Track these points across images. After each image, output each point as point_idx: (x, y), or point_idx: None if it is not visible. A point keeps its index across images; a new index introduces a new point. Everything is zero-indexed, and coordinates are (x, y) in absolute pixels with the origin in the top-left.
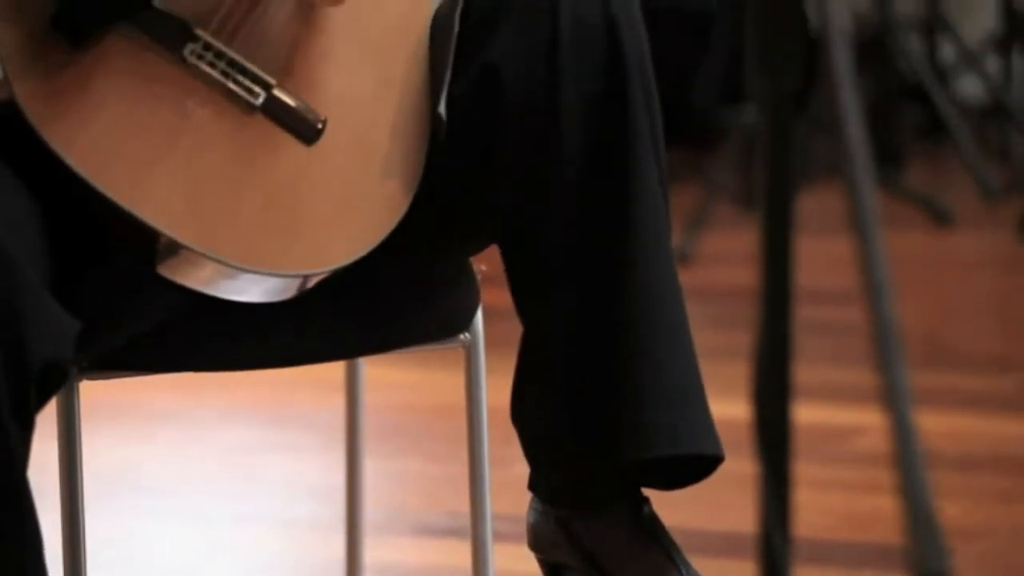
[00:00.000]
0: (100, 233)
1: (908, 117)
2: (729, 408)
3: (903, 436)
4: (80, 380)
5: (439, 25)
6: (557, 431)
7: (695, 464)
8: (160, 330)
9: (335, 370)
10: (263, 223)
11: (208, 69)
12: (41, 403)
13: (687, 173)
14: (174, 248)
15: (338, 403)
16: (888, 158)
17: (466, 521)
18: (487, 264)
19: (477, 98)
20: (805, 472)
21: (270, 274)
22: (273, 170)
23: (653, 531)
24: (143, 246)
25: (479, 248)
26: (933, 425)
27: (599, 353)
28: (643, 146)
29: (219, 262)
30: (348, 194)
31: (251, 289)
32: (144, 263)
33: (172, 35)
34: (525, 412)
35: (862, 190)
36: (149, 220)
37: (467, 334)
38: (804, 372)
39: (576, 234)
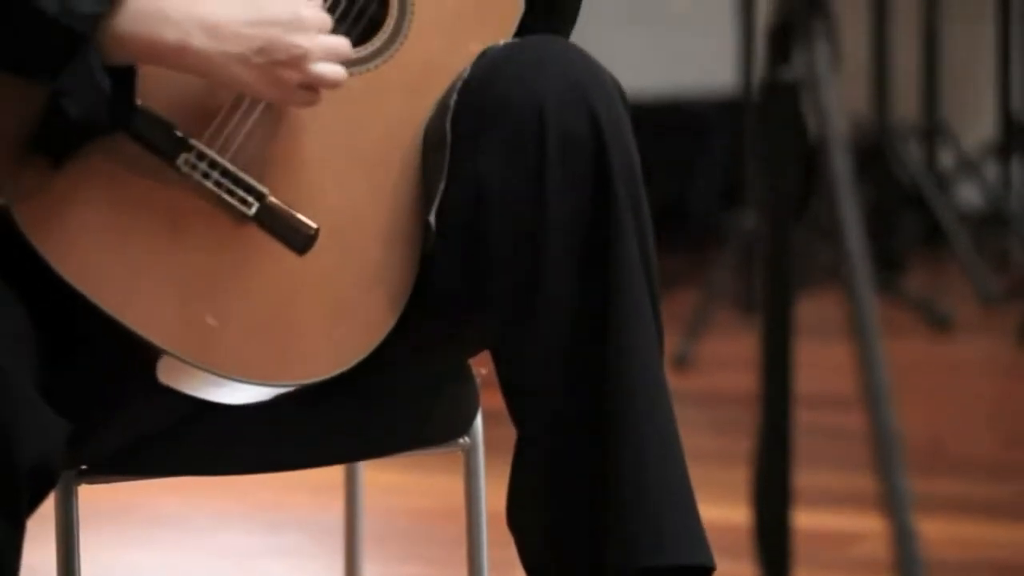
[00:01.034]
0: (92, 337)
1: (907, 223)
2: (729, 513)
3: (903, 542)
4: (78, 484)
5: (430, 135)
6: (547, 539)
7: (685, 574)
8: (158, 434)
9: (334, 474)
10: (254, 333)
11: (201, 179)
12: (33, 506)
13: (686, 277)
14: (165, 356)
15: (337, 507)
16: (888, 264)
17: None
18: (487, 367)
19: (465, 208)
20: None
21: (261, 384)
22: (265, 279)
23: None
24: (135, 352)
25: (473, 353)
26: (933, 531)
27: (585, 460)
28: (631, 258)
29: (208, 372)
30: (339, 303)
31: (243, 397)
32: (137, 363)
33: (166, 144)
34: (518, 518)
35: (862, 296)
36: (138, 329)
37: (466, 438)
38: (804, 477)
39: (563, 343)
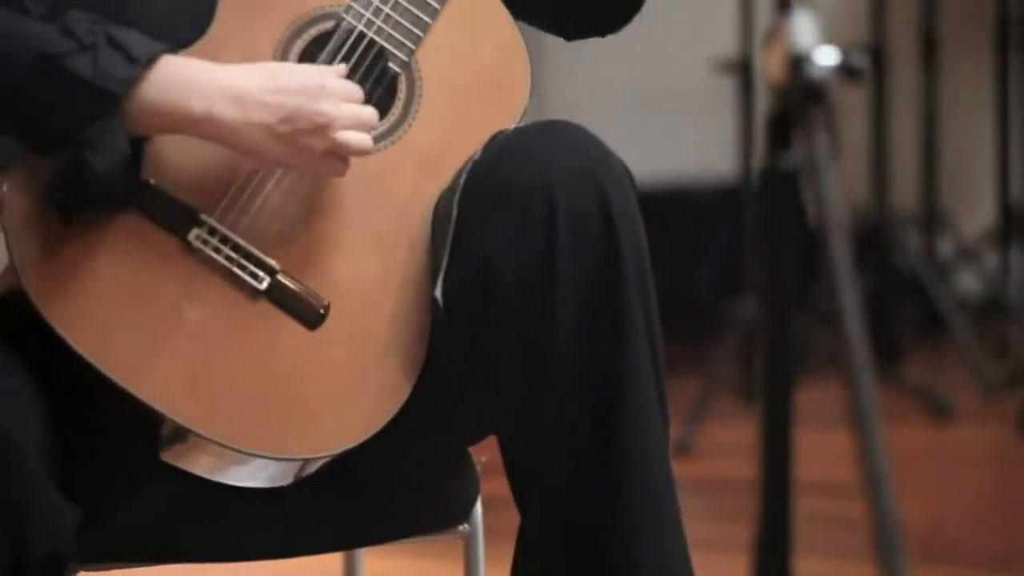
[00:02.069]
0: (102, 418)
1: (907, 311)
2: None
3: None
4: (78, 571)
5: (439, 213)
6: None
7: None
8: (158, 522)
9: (333, 561)
10: (263, 407)
11: (213, 254)
12: None
13: (687, 364)
14: (177, 431)
15: None
16: (887, 351)
17: None
18: (487, 454)
19: (473, 287)
20: None
21: (268, 457)
22: (275, 354)
23: None
24: (145, 429)
25: (478, 438)
26: None
27: (588, 547)
28: (638, 343)
29: (217, 444)
30: (349, 379)
31: (249, 474)
32: (147, 446)
33: (177, 220)
34: None
35: (862, 383)
36: (148, 400)
37: (466, 525)
38: (804, 565)
39: (569, 426)
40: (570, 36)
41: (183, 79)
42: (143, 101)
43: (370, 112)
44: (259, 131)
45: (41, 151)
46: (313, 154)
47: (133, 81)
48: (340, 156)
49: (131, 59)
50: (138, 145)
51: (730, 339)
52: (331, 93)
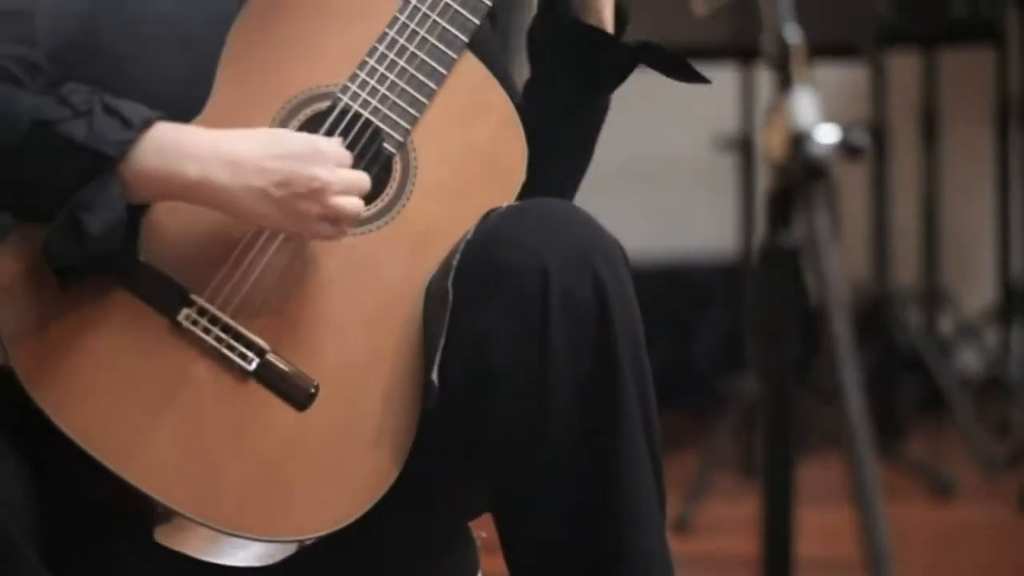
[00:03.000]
0: (93, 496)
1: (908, 388)
2: None
3: None
4: None
5: (432, 294)
6: None
7: None
8: None
9: None
10: (253, 488)
11: (202, 334)
12: None
13: (687, 439)
14: (167, 512)
15: None
16: (888, 428)
17: None
18: (487, 531)
19: (467, 368)
20: None
21: (259, 539)
22: (264, 434)
23: None
24: (136, 508)
25: (474, 515)
26: None
27: None
28: (633, 422)
29: (207, 527)
30: (338, 461)
31: (241, 554)
32: (138, 526)
33: (167, 299)
34: None
35: (862, 460)
36: (139, 484)
37: None
38: None
39: (564, 505)
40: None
41: (178, 144)
42: (138, 165)
43: (362, 177)
44: (254, 195)
45: (35, 219)
46: (308, 218)
47: (128, 144)
48: (334, 220)
49: (126, 123)
50: (135, 212)
51: (730, 415)
52: (325, 158)
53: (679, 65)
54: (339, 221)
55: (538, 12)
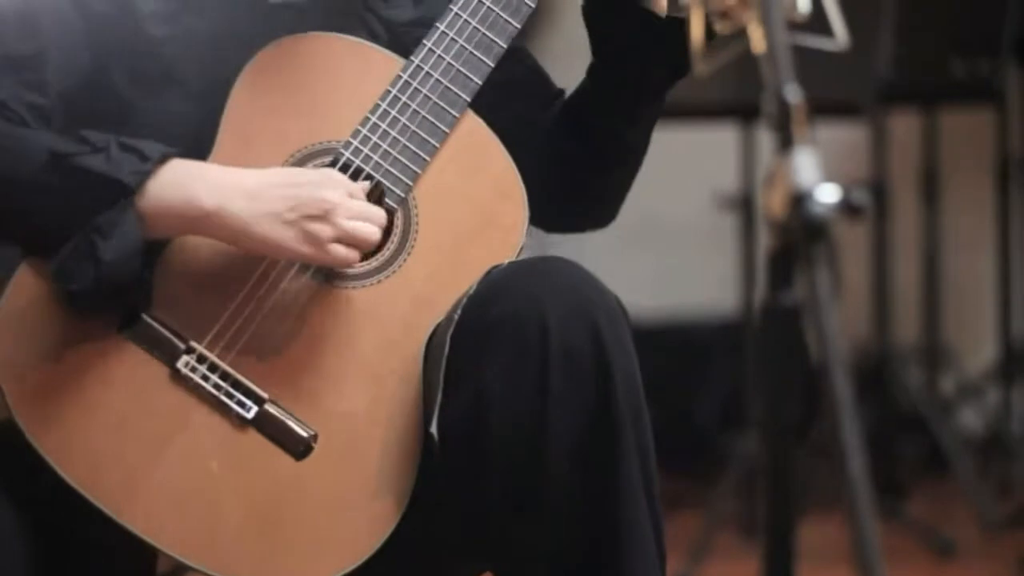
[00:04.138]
0: (93, 547)
1: (909, 447)
2: None
3: None
4: None
5: (432, 348)
6: None
7: None
8: None
9: None
10: (250, 535)
11: (201, 382)
12: None
13: (688, 499)
14: (167, 557)
15: None
16: (889, 488)
17: None
18: None
19: (467, 420)
20: None
21: None
22: (261, 483)
23: None
24: (137, 555)
25: (476, 571)
26: None
27: None
28: (633, 478)
29: (204, 573)
30: (335, 511)
31: None
32: (141, 572)
33: (166, 348)
34: None
35: (863, 520)
36: (137, 530)
37: None
38: None
39: (563, 561)
40: (549, 230)
41: (193, 176)
42: (154, 198)
43: (379, 211)
44: (268, 220)
45: (47, 252)
46: (321, 241)
47: (145, 175)
48: (350, 243)
49: (144, 157)
50: (153, 248)
51: (731, 475)
52: (335, 183)
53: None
54: (355, 244)
55: (590, 4)
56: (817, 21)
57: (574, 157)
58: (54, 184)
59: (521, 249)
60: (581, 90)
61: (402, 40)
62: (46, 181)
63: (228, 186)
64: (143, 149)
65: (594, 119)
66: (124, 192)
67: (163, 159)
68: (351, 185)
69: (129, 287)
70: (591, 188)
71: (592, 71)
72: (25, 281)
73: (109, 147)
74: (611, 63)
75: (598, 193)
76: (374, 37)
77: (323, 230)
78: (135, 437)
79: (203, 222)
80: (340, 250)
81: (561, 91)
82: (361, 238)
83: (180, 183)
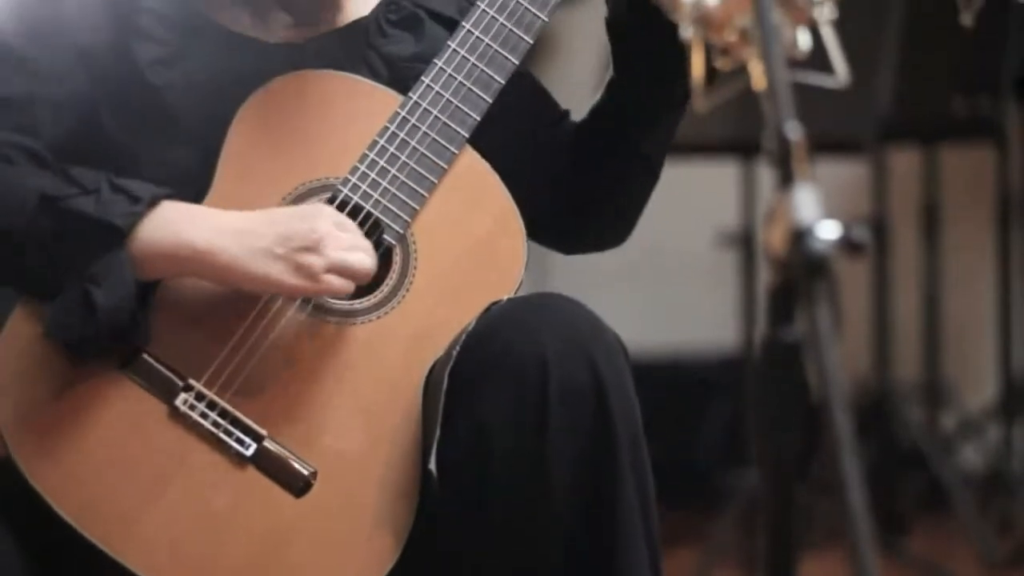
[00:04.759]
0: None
1: (909, 484)
2: None
3: None
4: None
5: (431, 385)
6: None
7: None
8: None
9: None
10: (247, 573)
11: (200, 419)
12: None
13: (688, 535)
14: None
15: None
16: (890, 525)
17: None
18: None
19: (466, 457)
20: None
21: None
22: (260, 520)
23: None
24: None
25: None
26: None
27: None
28: (631, 513)
29: None
30: (334, 548)
31: None
32: None
33: (165, 386)
34: None
35: (864, 557)
36: (136, 568)
37: None
38: None
39: None
40: (569, 251)
41: (184, 217)
42: (146, 240)
43: (367, 243)
44: (258, 256)
45: (41, 295)
46: (314, 272)
47: (137, 217)
48: (343, 274)
49: (134, 199)
50: (147, 288)
51: (731, 510)
52: (324, 215)
53: None
54: (348, 274)
55: (618, 7)
56: (818, 58)
57: (592, 174)
58: (45, 228)
59: (520, 284)
60: (599, 107)
61: (403, 76)
62: (37, 225)
63: (218, 226)
64: (133, 190)
65: (611, 135)
66: (116, 236)
67: (154, 200)
68: (340, 217)
69: (126, 330)
70: (608, 203)
71: (612, 85)
72: (22, 319)
73: (100, 189)
74: (634, 76)
75: (616, 208)
76: (374, 74)
77: (315, 261)
78: (133, 475)
79: (195, 262)
80: (334, 280)
81: (566, 112)
82: (354, 267)
83: (171, 224)
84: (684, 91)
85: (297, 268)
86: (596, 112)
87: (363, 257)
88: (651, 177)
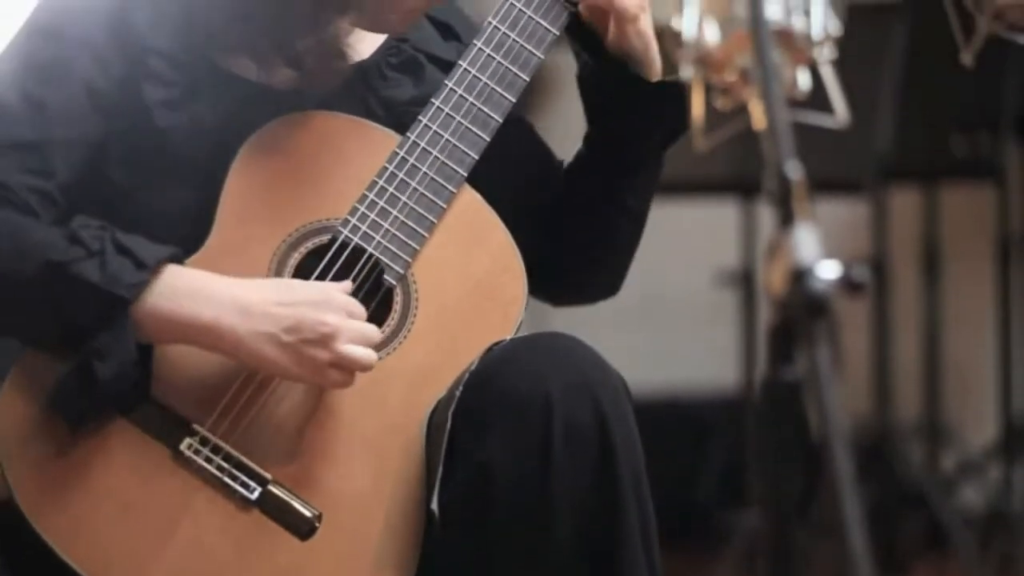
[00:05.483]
0: None
1: (910, 524)
2: None
3: None
4: None
5: (434, 424)
6: None
7: None
8: None
9: None
10: None
11: (204, 464)
12: None
13: (689, 575)
14: None
15: None
16: (890, 565)
17: None
18: None
19: (470, 496)
20: None
21: None
22: (267, 564)
23: None
24: None
25: None
26: None
27: None
28: (635, 550)
29: None
30: None
31: None
32: None
33: (169, 431)
34: None
35: None
36: None
37: None
38: None
39: None
40: (557, 302)
41: (191, 288)
42: (151, 307)
43: (373, 330)
44: (264, 340)
45: (42, 349)
46: (318, 365)
47: (142, 286)
48: (344, 369)
49: (140, 264)
50: (148, 352)
51: (732, 551)
52: (336, 306)
53: None
54: (349, 370)
55: (587, 63)
56: (817, 98)
57: (575, 225)
58: (49, 293)
59: (520, 323)
60: (579, 160)
61: (401, 119)
62: (42, 289)
63: (225, 301)
64: (139, 254)
65: (593, 187)
66: (121, 306)
67: (159, 265)
68: (350, 304)
69: (127, 394)
70: (594, 257)
71: (588, 139)
72: (27, 368)
73: (104, 250)
74: (607, 130)
75: (601, 261)
76: (372, 117)
77: (320, 355)
78: (139, 520)
79: (198, 335)
80: (335, 375)
81: (560, 162)
82: (360, 363)
83: (176, 295)
84: (659, 142)
85: (302, 359)
86: (576, 165)
87: (368, 353)
88: (635, 226)
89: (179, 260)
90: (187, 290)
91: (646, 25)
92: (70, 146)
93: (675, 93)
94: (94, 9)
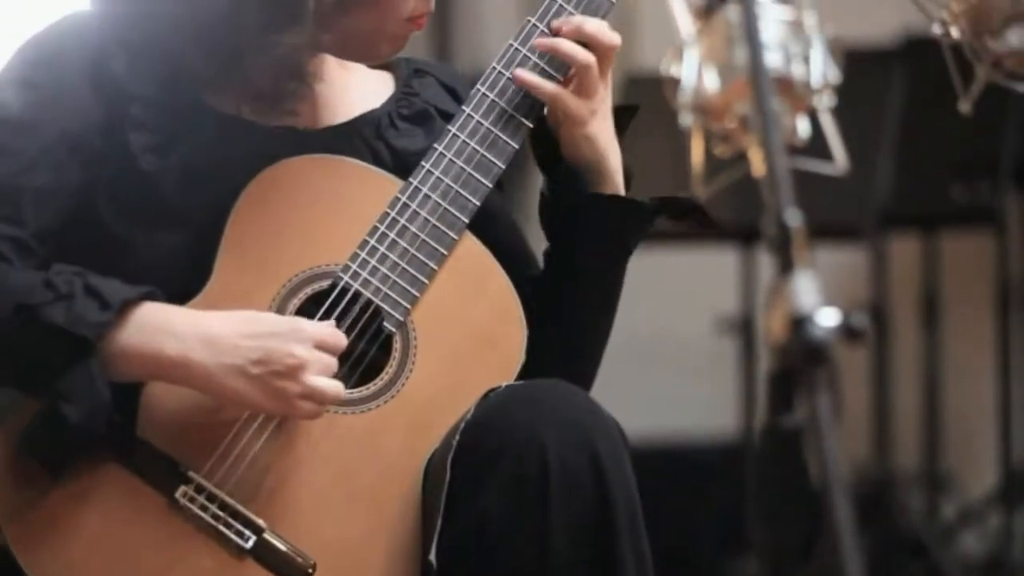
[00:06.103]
0: None
1: (910, 572)
2: None
3: None
4: None
5: (432, 474)
6: None
7: None
8: None
9: None
10: None
11: (199, 512)
12: None
13: None
14: None
15: None
16: None
17: None
18: None
19: (467, 547)
20: None
21: None
22: None
23: None
24: None
25: None
26: None
27: None
28: None
29: None
30: None
31: None
32: None
33: (164, 477)
34: None
35: None
36: None
37: None
38: None
39: None
40: None
41: (158, 324)
42: (118, 345)
43: (331, 360)
44: (233, 373)
45: (25, 394)
46: (287, 397)
47: (105, 326)
48: (315, 400)
49: (105, 305)
50: (132, 393)
51: None
52: (304, 337)
53: (694, 212)
54: (320, 400)
55: (547, 190)
56: (817, 145)
57: (543, 327)
58: (17, 337)
59: (519, 371)
60: (540, 276)
61: (409, 167)
62: (10, 333)
63: (193, 336)
64: (106, 295)
65: (549, 300)
66: (84, 347)
67: (125, 305)
68: (320, 333)
69: (103, 439)
70: (557, 365)
71: (547, 255)
72: (20, 409)
73: (73, 293)
74: (557, 242)
75: (564, 370)
76: (382, 165)
77: (290, 387)
78: (133, 568)
79: (167, 370)
80: (306, 406)
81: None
82: (329, 395)
83: (145, 331)
84: (612, 254)
85: (271, 392)
86: (539, 279)
87: (336, 385)
88: (592, 337)
89: (156, 299)
90: (155, 326)
91: (597, 131)
92: (47, 193)
93: (630, 207)
94: (70, 59)
